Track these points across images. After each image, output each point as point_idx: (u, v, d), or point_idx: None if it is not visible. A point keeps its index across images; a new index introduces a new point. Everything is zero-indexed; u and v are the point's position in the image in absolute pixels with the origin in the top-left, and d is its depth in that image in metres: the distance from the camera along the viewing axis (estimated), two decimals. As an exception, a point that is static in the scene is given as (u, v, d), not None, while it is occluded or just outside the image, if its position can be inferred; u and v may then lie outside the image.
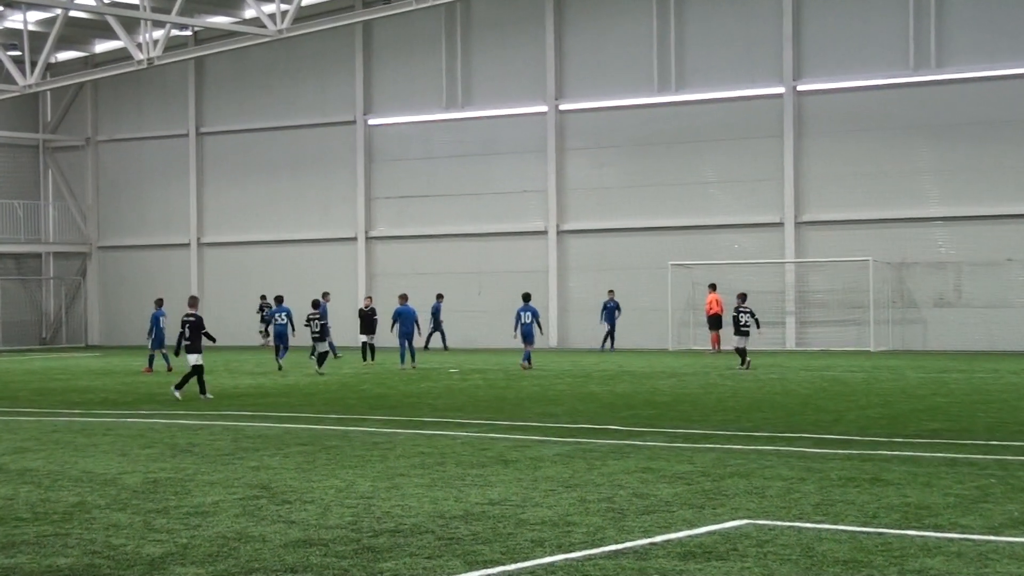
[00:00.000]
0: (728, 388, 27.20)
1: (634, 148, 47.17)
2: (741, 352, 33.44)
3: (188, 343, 26.35)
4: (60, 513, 12.33)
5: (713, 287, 43.07)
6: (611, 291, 45.56)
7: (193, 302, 27.35)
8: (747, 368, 32.75)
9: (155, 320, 36.38)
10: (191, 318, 26.53)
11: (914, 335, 43.10)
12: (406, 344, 36.02)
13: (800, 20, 44.28)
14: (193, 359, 26.17)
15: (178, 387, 26.21)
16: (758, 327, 34.88)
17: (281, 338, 37.42)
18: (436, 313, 46.27)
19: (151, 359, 36.52)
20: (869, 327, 42.75)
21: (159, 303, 37.49)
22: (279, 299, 39.05)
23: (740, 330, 33.75)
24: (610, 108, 47.48)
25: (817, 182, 44.33)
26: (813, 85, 44.33)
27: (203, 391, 26.18)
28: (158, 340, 36.08)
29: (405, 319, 36.29)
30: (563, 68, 48.12)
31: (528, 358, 35.27)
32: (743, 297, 34.79)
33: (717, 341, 42.58)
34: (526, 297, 36.44)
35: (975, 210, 42.18)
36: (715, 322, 42.67)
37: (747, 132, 45.15)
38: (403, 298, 37.36)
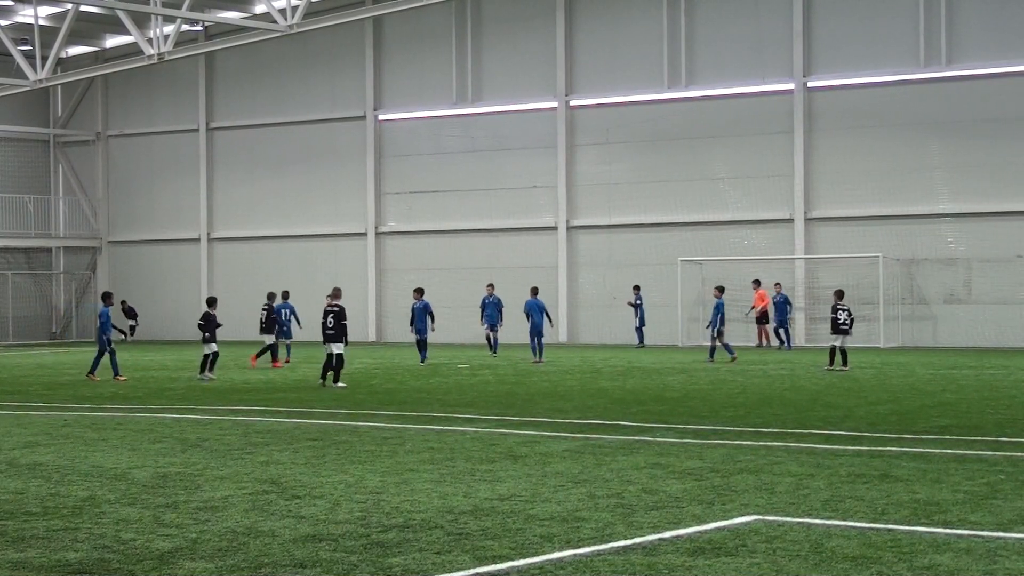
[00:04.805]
0: (737, 384, 27.18)
1: (644, 144, 47.13)
2: (843, 352, 31.50)
3: (332, 332, 27.24)
4: (70, 507, 12.35)
5: (757, 283, 43.40)
6: (490, 285, 40.40)
7: (337, 293, 28.01)
8: (848, 369, 31.15)
9: (287, 312, 36.35)
10: (335, 308, 27.40)
11: (924, 331, 43.02)
12: (536, 339, 36.22)
13: (810, 16, 44.21)
14: (337, 348, 27.19)
15: (327, 378, 27.33)
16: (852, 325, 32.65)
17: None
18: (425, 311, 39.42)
19: (277, 351, 36.08)
20: (879, 323, 42.68)
21: (286, 295, 37.41)
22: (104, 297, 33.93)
23: (839, 328, 31.69)
24: (620, 104, 47.42)
25: (827, 178, 44.26)
26: (823, 81, 44.25)
27: (336, 379, 27.23)
28: (287, 331, 36.25)
29: (534, 312, 36.55)
30: (573, 64, 48.07)
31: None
32: (840, 294, 32.81)
33: (763, 335, 43.76)
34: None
35: (985, 206, 42.12)
36: (764, 317, 43.56)
37: (757, 128, 45.09)
38: (534, 291, 37.70)
